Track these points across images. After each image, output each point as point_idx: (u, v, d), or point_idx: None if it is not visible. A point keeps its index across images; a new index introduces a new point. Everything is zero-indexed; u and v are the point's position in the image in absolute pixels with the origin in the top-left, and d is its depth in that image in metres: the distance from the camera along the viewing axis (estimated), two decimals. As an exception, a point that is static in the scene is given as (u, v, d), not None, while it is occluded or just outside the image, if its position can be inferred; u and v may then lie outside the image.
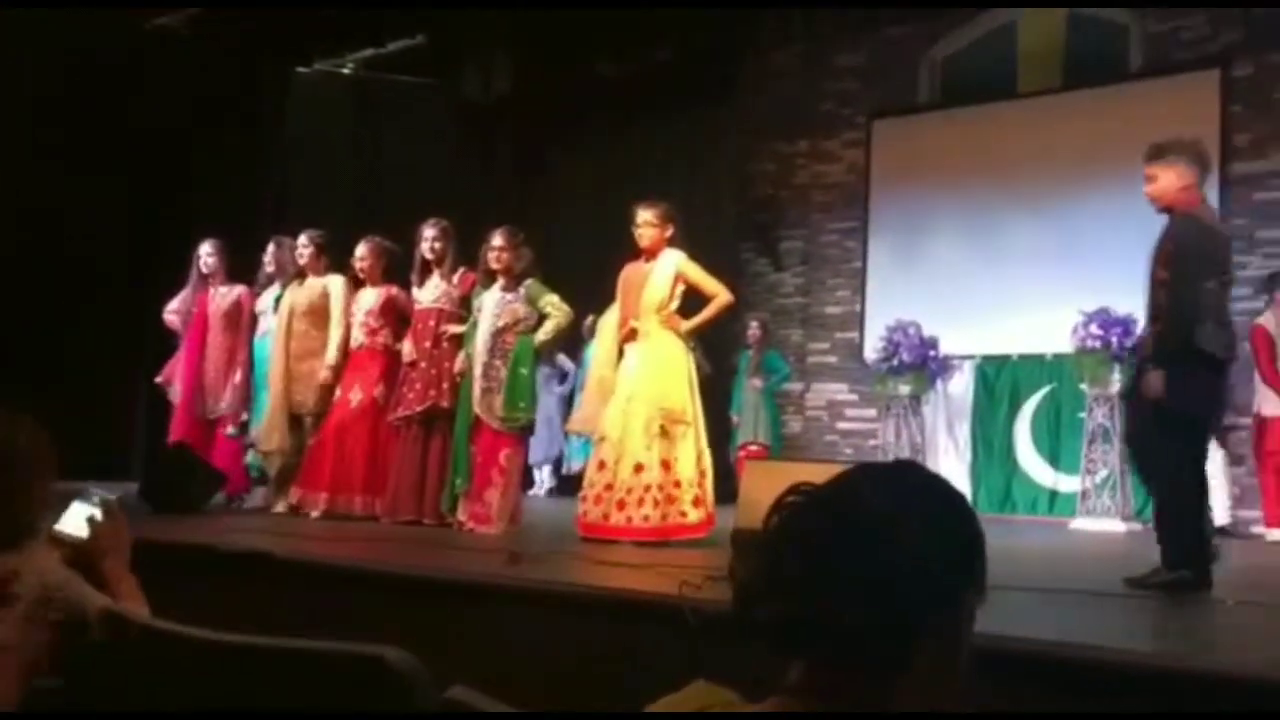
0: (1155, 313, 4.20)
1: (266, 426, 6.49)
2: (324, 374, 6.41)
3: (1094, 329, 7.81)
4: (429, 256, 6.19)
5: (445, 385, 6.03)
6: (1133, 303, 7.67)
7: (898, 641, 1.06)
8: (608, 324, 5.67)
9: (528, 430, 6.01)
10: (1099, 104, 8.89)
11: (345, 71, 10.05)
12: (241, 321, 6.93)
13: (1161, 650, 2.81)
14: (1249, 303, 8.17)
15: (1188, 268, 4.07)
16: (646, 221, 5.42)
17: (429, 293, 6.20)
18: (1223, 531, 7.47)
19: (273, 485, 6.57)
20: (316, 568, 3.93)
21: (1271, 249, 8.20)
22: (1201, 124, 8.46)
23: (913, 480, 1.17)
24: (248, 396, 6.82)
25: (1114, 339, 7.77)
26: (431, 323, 6.14)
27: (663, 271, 5.40)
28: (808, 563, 1.07)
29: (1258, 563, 6.06)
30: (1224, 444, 7.61)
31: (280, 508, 6.37)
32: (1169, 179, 4.31)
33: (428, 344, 6.12)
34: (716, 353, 9.22)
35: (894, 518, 1.08)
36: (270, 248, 6.91)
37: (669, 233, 5.45)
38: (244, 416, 6.82)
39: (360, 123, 9.62)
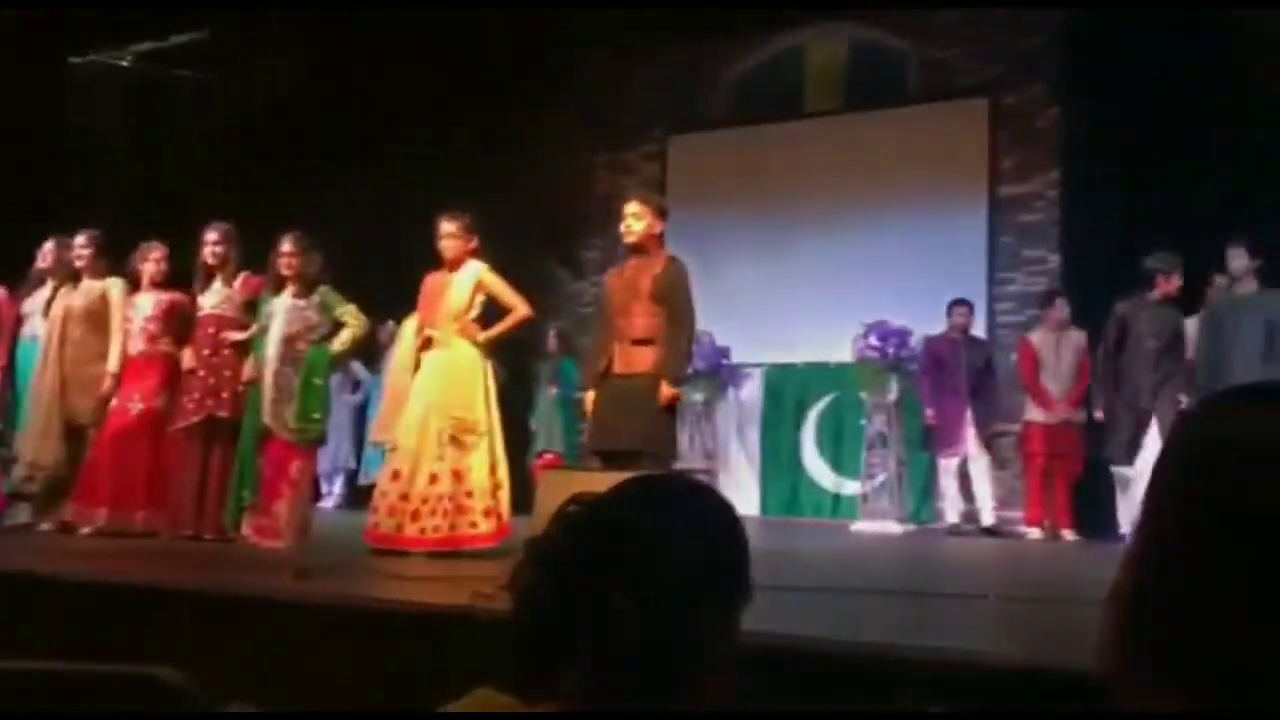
0: None
1: (35, 438, 6.08)
2: (106, 382, 6.08)
3: (872, 340, 8.22)
4: (211, 261, 5.98)
5: (225, 395, 5.82)
6: (909, 315, 8.17)
7: (667, 647, 1.10)
8: (408, 331, 5.61)
9: (319, 441, 5.88)
10: (880, 126, 9.38)
11: (124, 64, 9.56)
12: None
13: (934, 645, 2.98)
14: (1014, 316, 8.79)
15: None
16: (449, 233, 5.39)
17: (210, 299, 5.98)
18: (989, 531, 8.00)
19: (38, 501, 6.16)
20: (87, 587, 3.72)
21: (1034, 267, 8.82)
22: (972, 149, 9.07)
23: (681, 491, 1.22)
24: (6, 405, 6.39)
25: (890, 349, 8.19)
26: (212, 330, 5.92)
27: (463, 282, 5.38)
28: (584, 571, 1.11)
29: (1021, 559, 6.49)
30: (991, 449, 8.13)
31: (47, 525, 5.99)
32: None
33: (207, 351, 5.89)
34: (518, 361, 9.23)
35: (666, 527, 1.14)
36: (49, 246, 6.50)
37: (472, 244, 5.44)
38: None
39: (139, 119, 9.16)
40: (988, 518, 8.08)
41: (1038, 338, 7.84)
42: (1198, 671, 0.77)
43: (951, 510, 8.14)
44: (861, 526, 8.19)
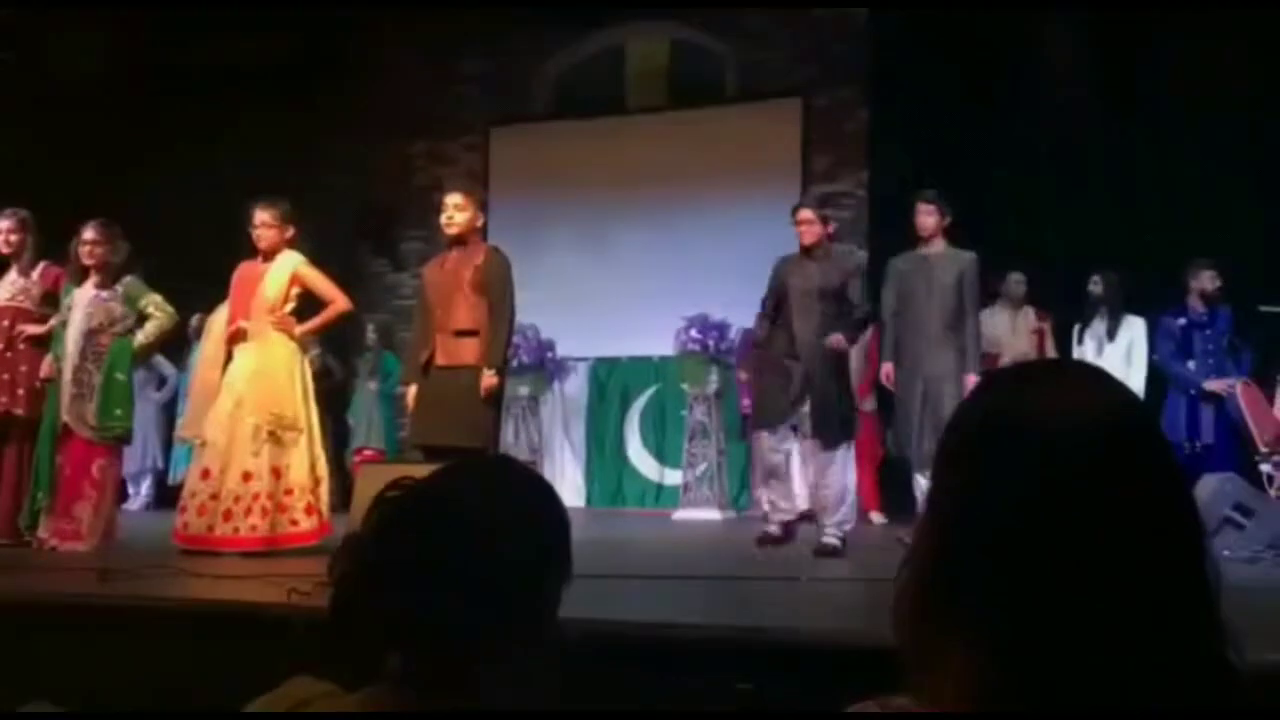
0: None
1: None
2: None
3: (694, 333, 8.39)
4: (4, 250, 5.65)
5: (20, 391, 5.50)
6: (728, 310, 8.37)
7: (490, 629, 1.12)
8: (216, 323, 5.41)
9: (124, 440, 5.62)
10: (700, 124, 9.56)
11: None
12: None
13: (749, 624, 3.09)
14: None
15: None
16: (264, 222, 5.22)
17: (4, 290, 5.64)
18: (805, 517, 8.26)
19: None
20: None
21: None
22: (785, 147, 9.34)
23: (505, 474, 1.24)
24: None
25: (711, 342, 8.38)
26: (5, 322, 5.58)
27: (279, 273, 5.23)
28: (403, 556, 1.11)
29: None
30: (805, 438, 8.39)
31: None
32: None
33: (1, 346, 5.55)
34: (337, 356, 9.03)
35: (486, 509, 1.15)
36: None
37: (289, 234, 5.28)
38: None
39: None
40: (803, 504, 8.33)
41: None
42: (984, 634, 0.82)
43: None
44: (683, 514, 8.35)
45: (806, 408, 5.56)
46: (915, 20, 8.19)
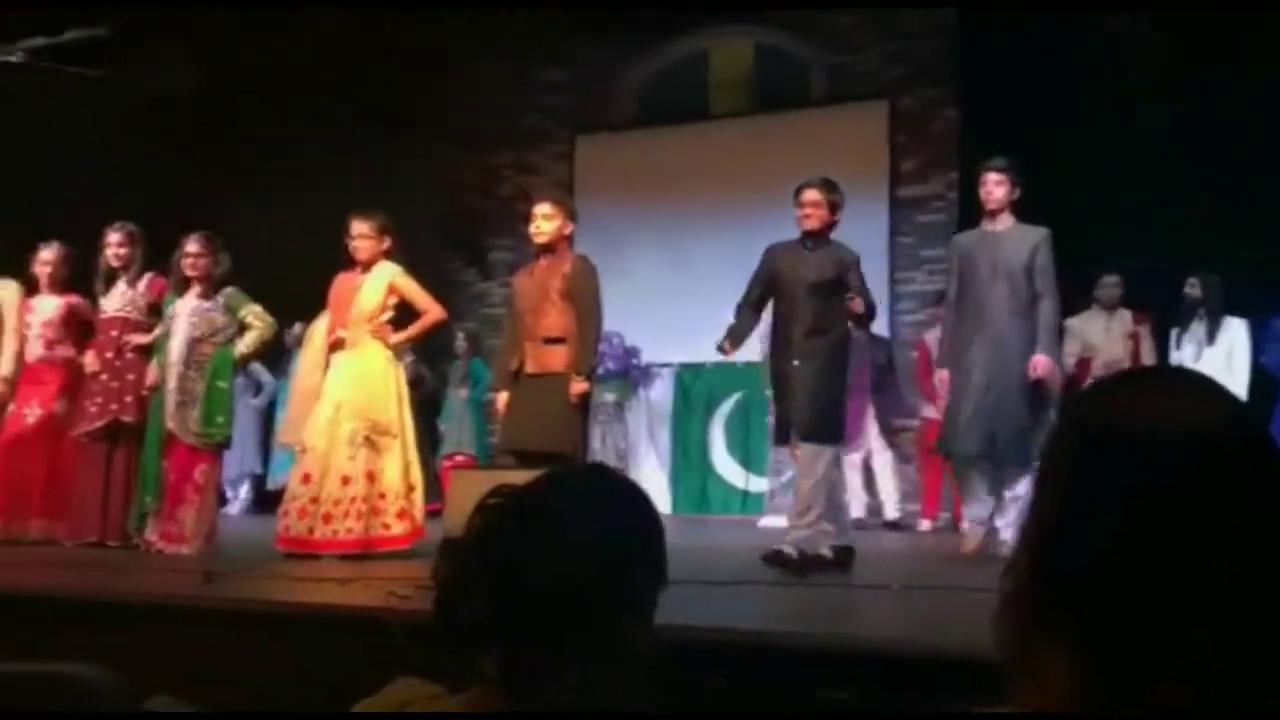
0: None
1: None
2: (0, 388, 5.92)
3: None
4: (114, 263, 5.86)
5: (129, 398, 5.71)
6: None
7: (585, 631, 1.14)
8: (317, 333, 5.56)
9: (224, 446, 5.79)
10: (784, 129, 9.52)
11: (13, 60, 9.25)
12: None
13: (843, 632, 3.08)
14: (914, 314, 9.01)
15: None
16: (362, 233, 5.36)
17: (114, 301, 5.86)
18: (892, 525, 8.19)
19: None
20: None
21: (934, 266, 9.02)
22: (872, 151, 9.26)
23: (598, 481, 1.26)
24: None
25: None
26: (115, 332, 5.80)
27: (376, 283, 5.35)
28: (500, 561, 1.14)
29: (920, 551, 6.68)
30: (893, 445, 8.32)
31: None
32: None
33: (110, 355, 5.77)
34: (428, 364, 9.19)
35: (578, 515, 1.18)
36: None
37: (385, 244, 5.41)
38: None
39: (34, 117, 8.89)
40: (891, 511, 8.27)
41: (934, 337, 8.03)
42: (1088, 646, 0.81)
43: (856, 504, 8.29)
44: (768, 521, 8.31)
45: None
46: (1006, 19, 8.06)
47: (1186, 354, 6.79)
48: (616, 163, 10.06)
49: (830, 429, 4.86)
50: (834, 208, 4.95)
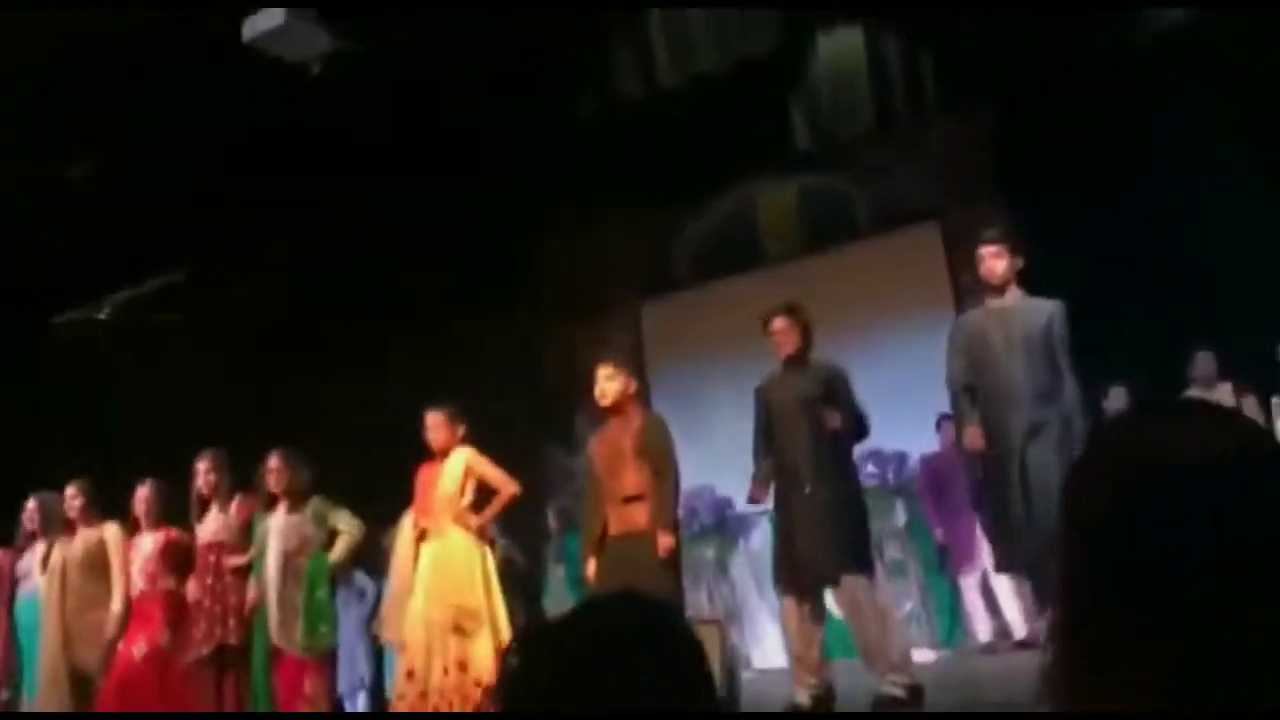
0: None
1: (44, 690, 5.99)
2: (110, 628, 6.03)
3: (870, 468, 8.21)
4: (205, 491, 6.03)
5: (232, 621, 5.78)
6: (899, 440, 8.19)
7: None
8: (406, 525, 5.63)
9: (329, 655, 5.80)
10: (838, 262, 9.60)
11: (101, 317, 9.80)
12: None
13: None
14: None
15: None
16: (436, 424, 5.49)
17: (208, 527, 6.00)
18: (1023, 644, 7.81)
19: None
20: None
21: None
22: (931, 269, 9.27)
23: (629, 618, 1.18)
24: (11, 669, 6.32)
25: (890, 475, 8.19)
26: (212, 558, 5.92)
27: (453, 468, 5.45)
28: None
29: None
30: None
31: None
32: None
33: (210, 580, 5.88)
34: (524, 544, 9.18)
35: (619, 667, 1.09)
36: (30, 504, 6.54)
37: (459, 431, 5.52)
38: (4, 695, 6.29)
39: (120, 364, 9.35)
40: (1020, 631, 7.90)
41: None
42: (1137, 685, 0.79)
43: (982, 628, 7.97)
44: (894, 659, 7.99)
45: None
46: (1040, 117, 8.13)
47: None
48: (682, 322, 10.20)
49: (860, 556, 4.77)
50: (805, 329, 5.06)
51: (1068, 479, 0.91)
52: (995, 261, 4.65)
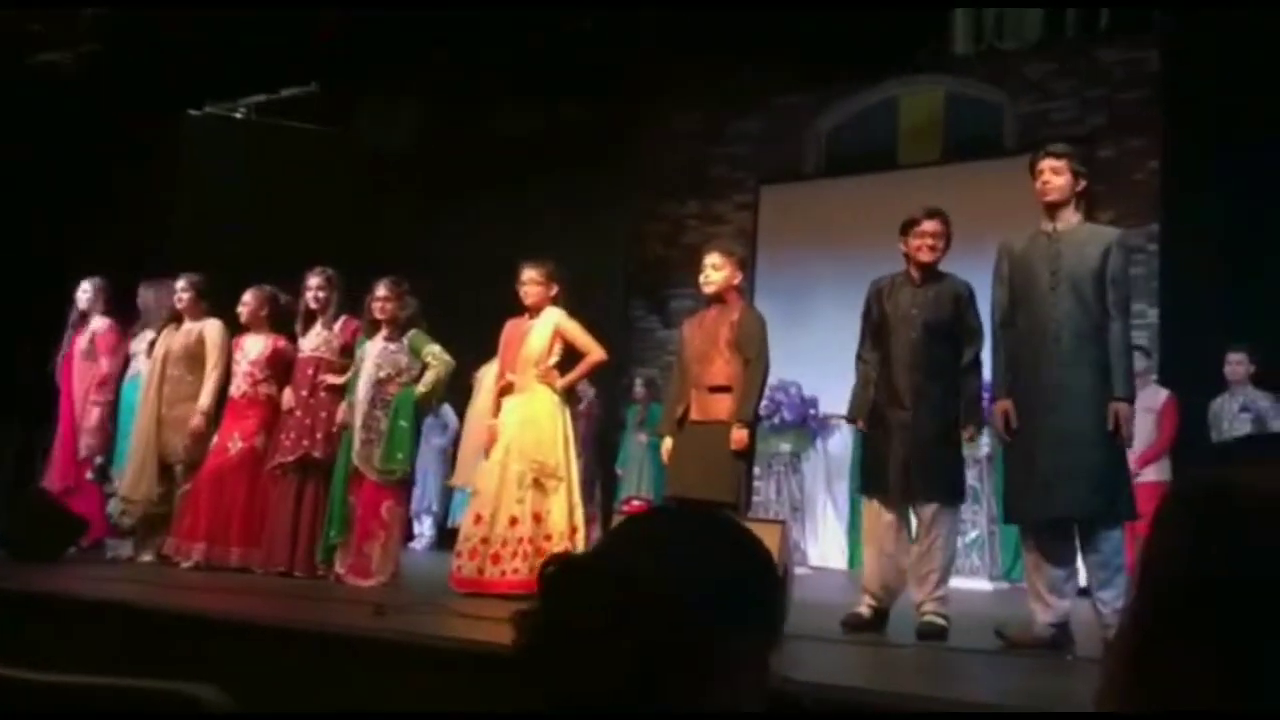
0: None
1: (133, 473, 6.32)
2: (196, 420, 6.29)
3: (964, 393, 8.06)
4: (313, 305, 6.18)
5: (319, 435, 5.98)
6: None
7: (670, 686, 1.07)
8: (488, 377, 5.73)
9: (406, 482, 5.99)
10: (974, 178, 9.26)
11: (237, 116, 9.98)
12: (98, 358, 6.76)
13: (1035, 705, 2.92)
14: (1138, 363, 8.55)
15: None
16: (532, 279, 5.50)
17: (310, 341, 6.17)
18: (1084, 592, 7.73)
19: (138, 534, 6.40)
20: (167, 616, 3.86)
21: (1138, 320, 8.56)
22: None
23: (685, 526, 1.18)
24: (107, 439, 6.66)
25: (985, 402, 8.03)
26: (310, 371, 6.10)
27: (542, 328, 5.48)
28: (572, 630, 1.08)
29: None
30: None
31: (147, 557, 6.21)
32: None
33: (305, 393, 6.07)
34: (606, 409, 9.32)
35: (670, 571, 1.09)
36: (141, 290, 6.80)
37: (554, 291, 5.53)
38: (99, 460, 6.65)
39: (252, 168, 9.55)
40: (1082, 578, 7.81)
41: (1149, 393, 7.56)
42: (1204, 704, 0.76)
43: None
44: (951, 584, 7.97)
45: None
46: (1213, 62, 7.65)
47: None
48: (802, 212, 10.02)
49: (953, 486, 4.50)
50: (949, 239, 4.63)
51: (1157, 508, 0.87)
52: (1054, 176, 4.22)
